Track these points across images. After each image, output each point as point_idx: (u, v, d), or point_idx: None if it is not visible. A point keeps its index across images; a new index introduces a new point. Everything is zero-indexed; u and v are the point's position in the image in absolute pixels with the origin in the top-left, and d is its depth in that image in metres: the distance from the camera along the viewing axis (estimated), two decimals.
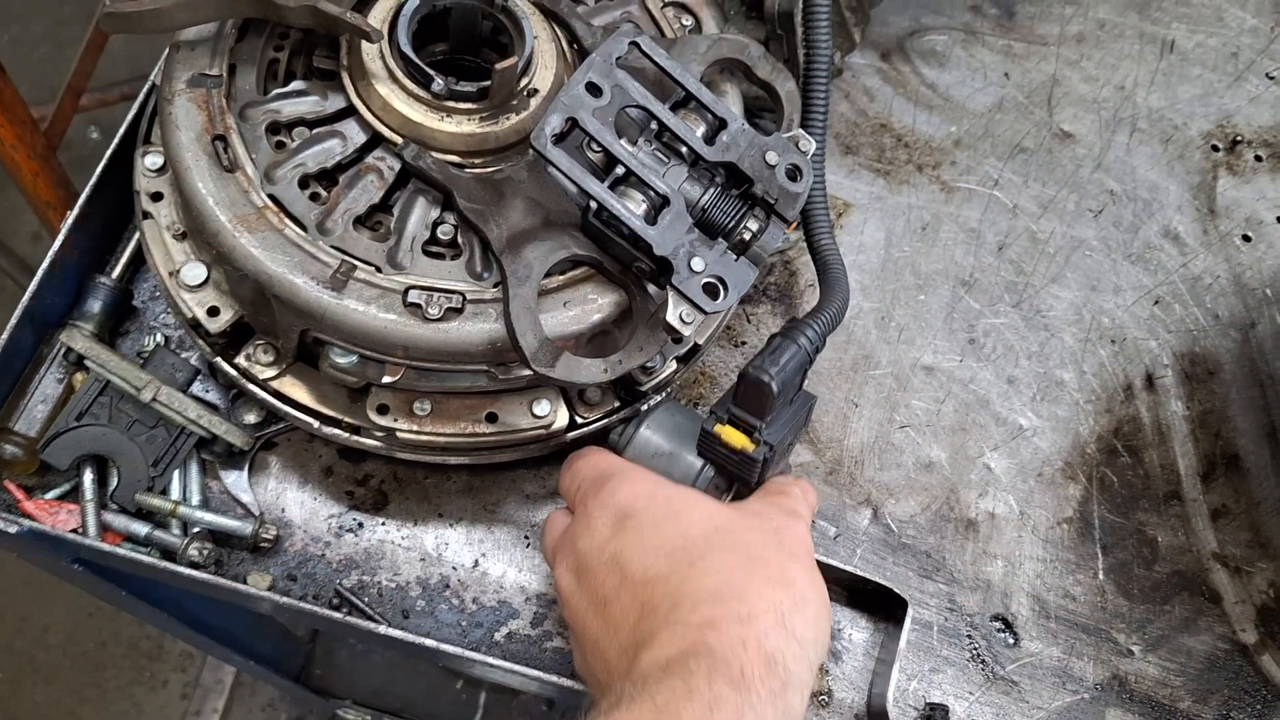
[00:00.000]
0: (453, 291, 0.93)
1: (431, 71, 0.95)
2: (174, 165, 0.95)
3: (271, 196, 0.94)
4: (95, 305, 1.10)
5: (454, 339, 0.92)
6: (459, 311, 0.93)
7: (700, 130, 0.97)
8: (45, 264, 1.06)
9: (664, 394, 1.08)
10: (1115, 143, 1.38)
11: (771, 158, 0.96)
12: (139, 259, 1.16)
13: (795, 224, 1.04)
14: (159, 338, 1.11)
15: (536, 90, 0.99)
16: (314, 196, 0.97)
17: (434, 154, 0.96)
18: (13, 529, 0.98)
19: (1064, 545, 1.15)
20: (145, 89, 1.12)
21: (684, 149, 0.96)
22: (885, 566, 1.12)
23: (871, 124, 1.36)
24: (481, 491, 1.11)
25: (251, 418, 1.08)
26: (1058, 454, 1.20)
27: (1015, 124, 1.38)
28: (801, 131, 1.00)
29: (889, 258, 1.29)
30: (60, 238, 1.07)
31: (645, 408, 1.05)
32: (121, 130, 1.11)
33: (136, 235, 1.15)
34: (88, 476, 1.03)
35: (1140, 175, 1.36)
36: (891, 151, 1.34)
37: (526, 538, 1.09)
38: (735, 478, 0.94)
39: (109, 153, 1.11)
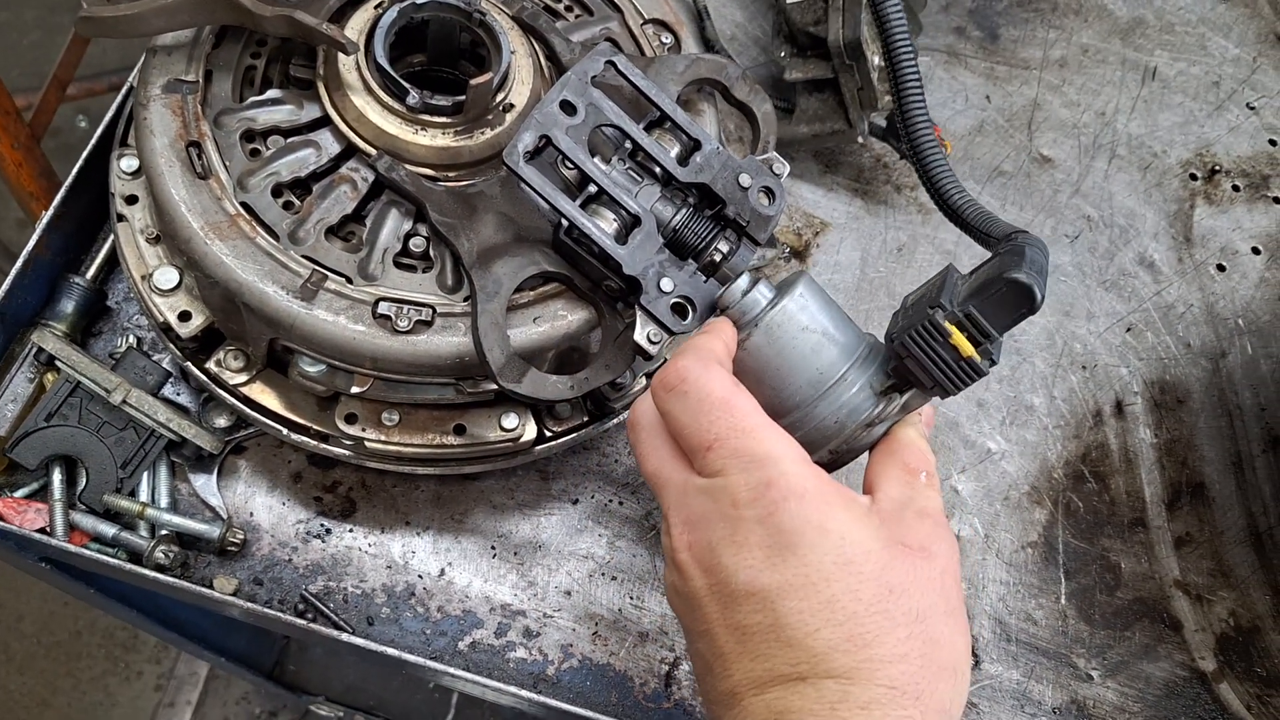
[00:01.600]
0: (423, 304, 0.93)
1: (406, 84, 0.95)
2: (147, 170, 0.95)
3: (244, 204, 0.95)
4: (68, 305, 1.10)
5: (422, 352, 0.93)
6: (428, 324, 0.93)
7: (674, 151, 0.97)
8: (19, 263, 1.06)
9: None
10: (1094, 168, 1.39)
11: (745, 180, 0.97)
12: (114, 260, 1.16)
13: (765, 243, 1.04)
14: (131, 339, 1.11)
15: (512, 105, 1.00)
16: (287, 205, 0.97)
17: (408, 166, 0.97)
18: None
19: (1027, 569, 1.16)
20: (124, 90, 1.13)
21: (657, 169, 0.96)
22: None
23: (851, 143, 1.36)
24: (450, 501, 1.11)
25: (222, 421, 1.08)
26: (1025, 478, 1.20)
27: (995, 147, 1.39)
28: (776, 155, 1.00)
29: (864, 278, 1.29)
30: (34, 237, 1.07)
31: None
32: (99, 131, 1.11)
33: (111, 238, 1.16)
34: (56, 476, 1.03)
35: (1118, 202, 1.37)
36: (870, 171, 1.35)
37: (493, 548, 1.10)
38: (926, 382, 0.83)
39: (85, 153, 1.11)
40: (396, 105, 0.96)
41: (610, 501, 1.14)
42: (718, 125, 1.09)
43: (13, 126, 1.94)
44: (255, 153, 0.98)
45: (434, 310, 0.93)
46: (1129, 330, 1.30)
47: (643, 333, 0.92)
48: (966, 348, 0.81)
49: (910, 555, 0.75)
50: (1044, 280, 0.81)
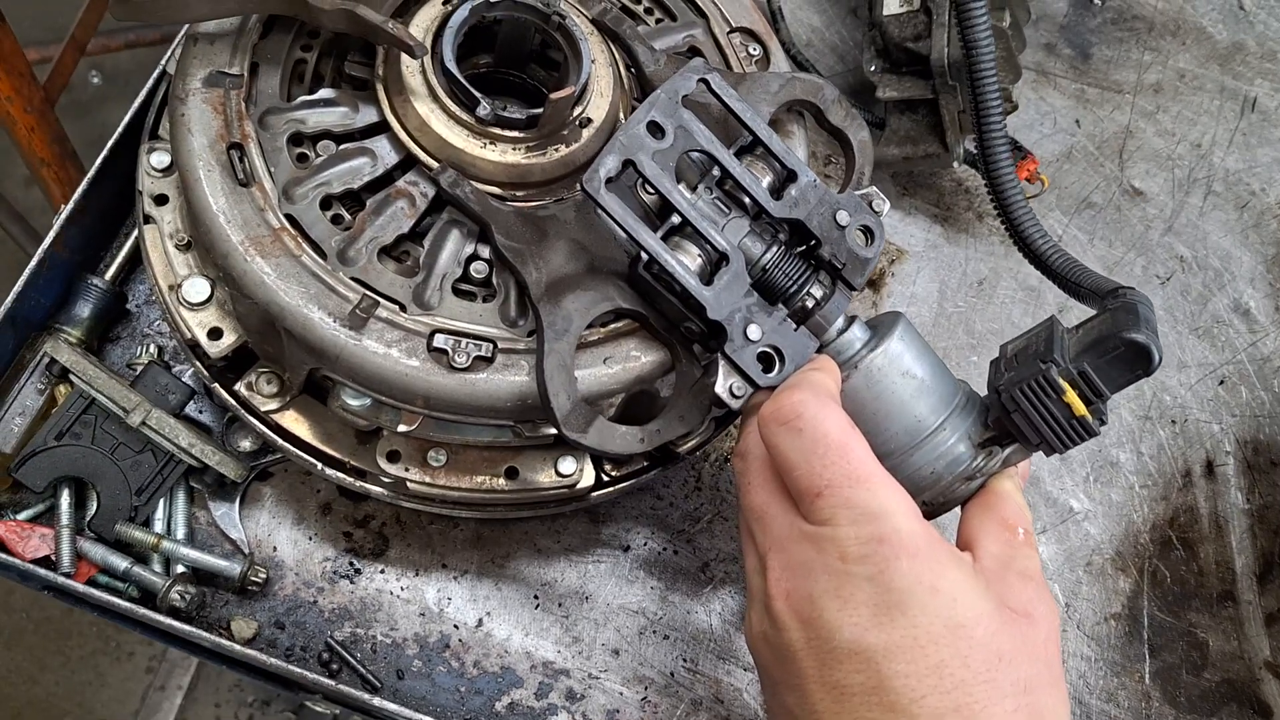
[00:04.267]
0: (483, 338, 0.84)
1: (478, 94, 0.85)
2: (183, 173, 0.85)
3: (289, 217, 0.85)
4: (84, 309, 1.00)
5: (480, 392, 0.83)
6: (488, 361, 0.84)
7: (766, 180, 0.88)
8: (33, 262, 0.96)
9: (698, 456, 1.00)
10: (1188, 204, 1.29)
11: (843, 218, 0.87)
12: (135, 259, 1.06)
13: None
14: (151, 349, 1.01)
15: (590, 120, 0.90)
16: (336, 219, 0.87)
17: (473, 183, 0.87)
18: None
19: (1110, 644, 1.07)
20: (156, 74, 1.02)
21: (747, 200, 0.87)
22: None
23: (943, 168, 1.26)
24: (490, 543, 1.02)
25: (246, 444, 0.99)
26: (1109, 542, 1.11)
27: (1084, 176, 1.29)
28: (875, 190, 0.91)
29: (942, 312, 1.20)
30: (52, 233, 0.98)
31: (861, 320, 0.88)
32: (126, 119, 1.01)
33: (134, 234, 1.06)
34: (64, 500, 0.94)
35: (1212, 242, 1.27)
36: (951, 196, 1.25)
37: (536, 598, 1.01)
38: (1031, 438, 0.80)
39: (110, 143, 1.01)
40: (464, 115, 0.86)
41: (664, 550, 1.05)
42: (808, 149, 0.99)
43: (26, 89, 1.83)
44: (303, 158, 0.89)
45: (495, 345, 0.84)
46: (1222, 383, 1.21)
47: (724, 384, 0.83)
48: (1079, 406, 0.79)
49: (1016, 620, 0.72)
50: (1159, 340, 0.79)
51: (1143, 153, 1.32)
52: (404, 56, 0.87)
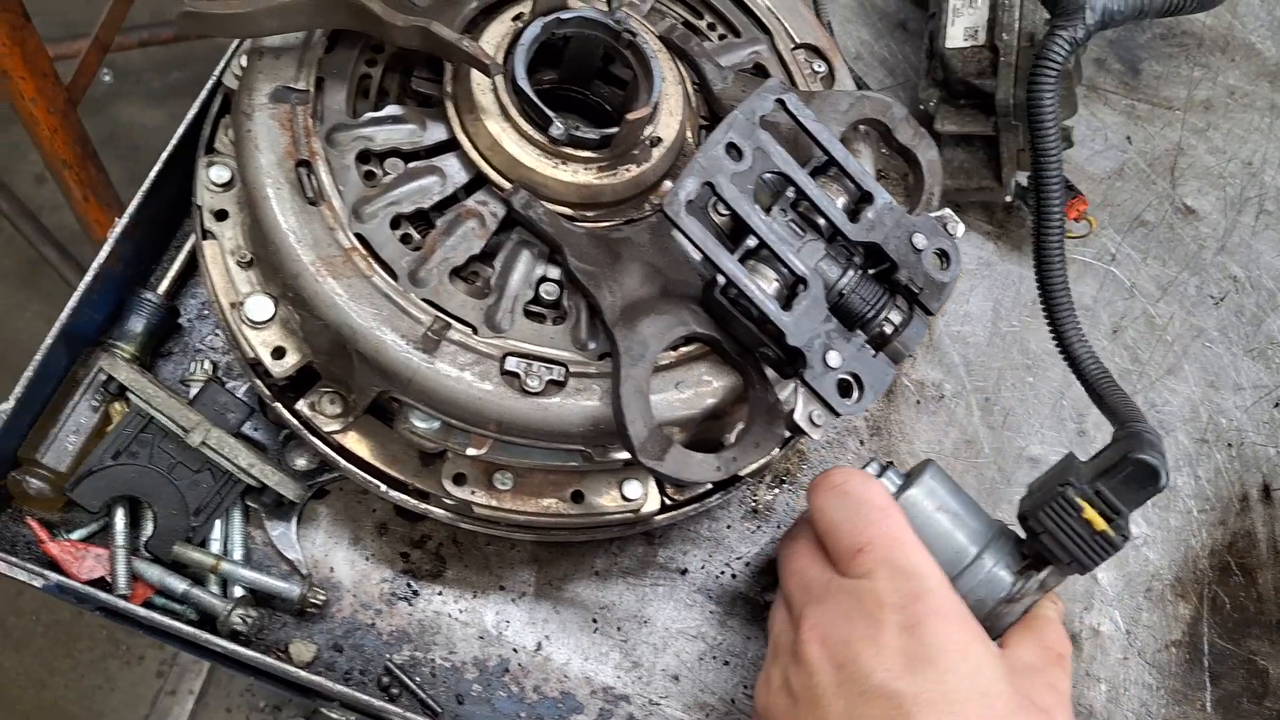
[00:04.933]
0: (555, 361, 0.83)
1: (551, 114, 0.84)
2: (251, 192, 0.84)
3: (359, 236, 0.83)
4: (138, 324, 0.99)
5: (554, 417, 0.82)
6: (560, 385, 0.82)
7: (841, 201, 0.87)
8: (88, 278, 0.94)
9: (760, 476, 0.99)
10: (1240, 223, 1.28)
11: (919, 241, 0.86)
12: (188, 272, 1.05)
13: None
14: (206, 366, 1.00)
15: (660, 139, 0.89)
16: (405, 239, 0.86)
17: (544, 204, 0.85)
18: (38, 583, 0.87)
19: (1171, 672, 1.06)
20: (209, 85, 1.00)
21: (822, 222, 0.85)
22: None
23: (996, 201, 1.25)
24: (548, 564, 1.01)
25: (303, 462, 0.97)
26: (1168, 568, 1.10)
27: (1136, 194, 1.28)
28: (950, 212, 0.90)
29: (996, 332, 1.19)
30: (106, 248, 0.96)
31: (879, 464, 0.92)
32: (180, 131, 1.00)
33: (187, 247, 1.05)
34: (119, 520, 0.93)
35: (1265, 262, 1.26)
36: (1002, 213, 1.24)
37: (594, 621, 1.00)
38: (1062, 558, 0.85)
39: (165, 155, 1.00)
40: (537, 135, 0.84)
41: (722, 574, 1.03)
42: (874, 166, 0.98)
43: (50, 90, 1.81)
44: (370, 175, 0.87)
45: (567, 369, 0.83)
46: (1277, 405, 1.20)
47: (804, 412, 0.82)
48: (1099, 522, 0.85)
49: (1036, 713, 0.75)
50: (1165, 462, 0.86)
51: (1194, 170, 1.30)
52: (474, 73, 0.85)
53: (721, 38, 1.00)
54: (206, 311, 1.04)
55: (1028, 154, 1.12)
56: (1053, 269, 1.01)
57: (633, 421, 0.79)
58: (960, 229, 0.90)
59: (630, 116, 0.83)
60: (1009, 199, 1.17)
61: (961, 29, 1.11)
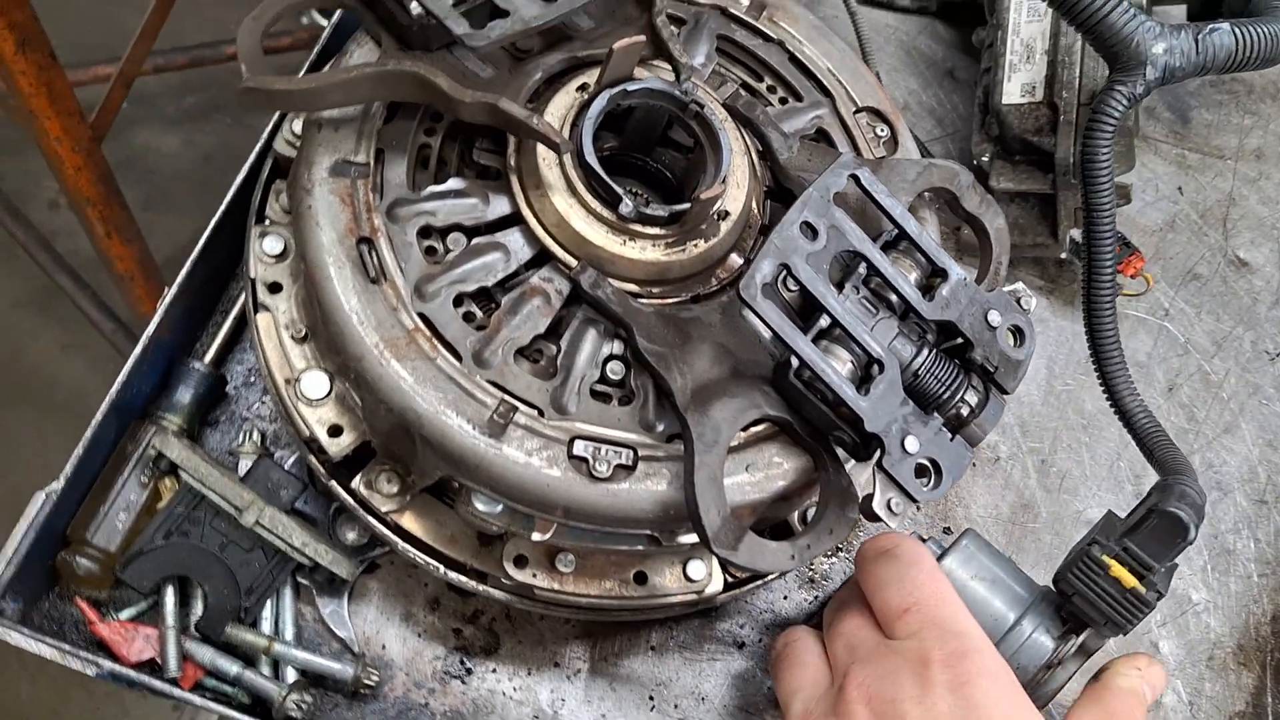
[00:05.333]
0: (622, 445, 0.80)
1: (620, 191, 0.81)
2: (311, 270, 0.82)
3: (422, 316, 0.81)
4: (186, 395, 0.96)
5: (623, 503, 0.80)
6: (629, 470, 0.80)
7: (913, 276, 0.85)
8: (138, 350, 0.92)
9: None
10: None
11: (994, 318, 0.84)
12: (234, 340, 1.03)
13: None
14: (255, 437, 0.98)
15: (728, 213, 0.86)
16: (467, 316, 0.84)
17: (612, 281, 0.83)
18: (91, 671, 0.85)
19: None
20: (257, 149, 0.98)
21: (893, 297, 0.83)
22: None
23: (1051, 257, 1.22)
24: (602, 639, 0.99)
25: (354, 536, 0.95)
26: (1230, 635, 1.08)
27: (1188, 246, 1.26)
28: (1023, 286, 0.88)
29: (1051, 391, 1.17)
30: (156, 318, 0.94)
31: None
32: (227, 199, 0.98)
33: (233, 314, 1.03)
34: (169, 599, 0.90)
35: None
36: (1054, 268, 1.22)
37: (651, 698, 0.97)
38: (1096, 619, 0.85)
39: (213, 222, 0.97)
40: (605, 212, 0.82)
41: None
42: (939, 232, 0.96)
43: (75, 129, 1.79)
44: (431, 251, 0.85)
45: (635, 452, 0.81)
46: None
47: (882, 500, 0.79)
48: (1128, 579, 0.85)
49: None
50: (1198, 514, 0.86)
51: (1247, 221, 1.28)
52: (540, 147, 0.83)
53: (782, 100, 0.98)
54: (253, 378, 1.02)
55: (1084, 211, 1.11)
56: (1104, 323, 0.98)
57: (706, 510, 0.77)
58: (1033, 303, 0.88)
59: (704, 196, 0.81)
60: (1063, 255, 1.15)
61: (1018, 85, 1.10)
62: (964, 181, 0.92)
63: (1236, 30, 0.95)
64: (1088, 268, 0.96)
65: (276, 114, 0.97)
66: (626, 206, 0.82)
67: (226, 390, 1.01)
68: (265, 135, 0.99)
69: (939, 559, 0.91)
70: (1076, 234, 1.15)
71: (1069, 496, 1.12)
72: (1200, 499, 0.88)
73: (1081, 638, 0.87)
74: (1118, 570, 0.85)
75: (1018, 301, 0.87)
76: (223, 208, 0.97)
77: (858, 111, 0.98)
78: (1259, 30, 0.97)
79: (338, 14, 1.05)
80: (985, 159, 1.14)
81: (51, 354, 2.88)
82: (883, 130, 0.98)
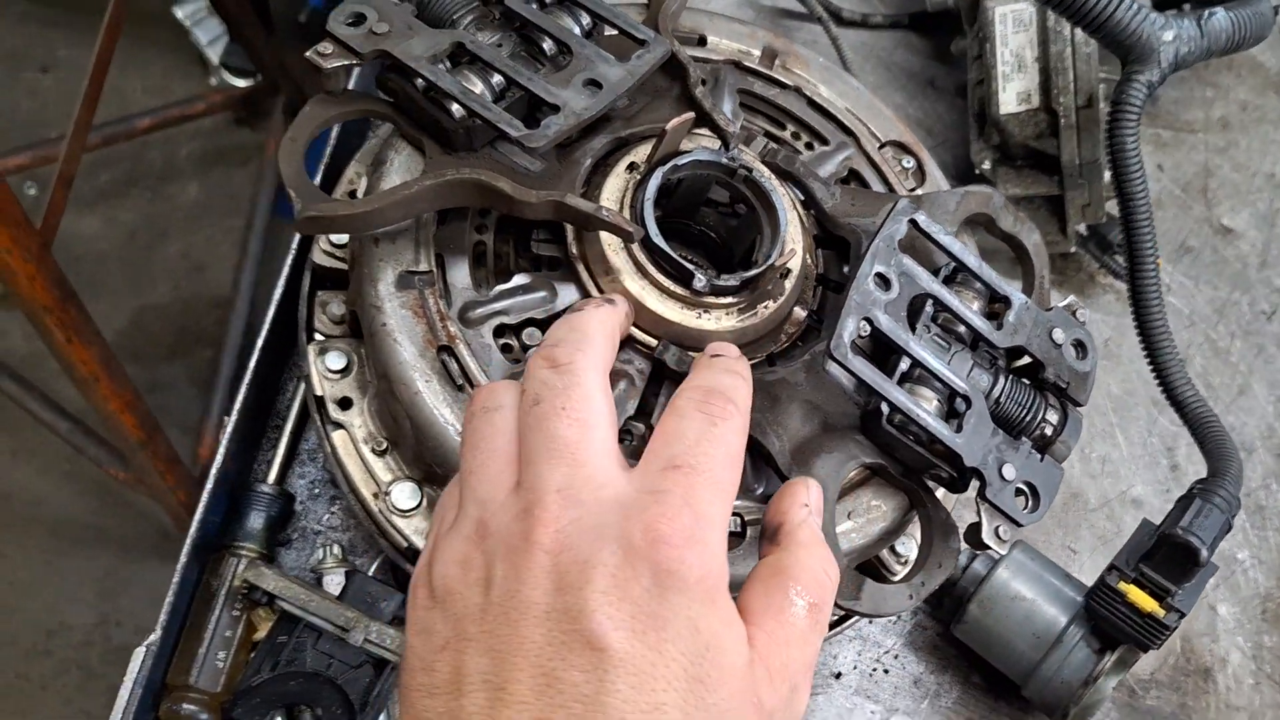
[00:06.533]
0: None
1: (691, 267, 0.82)
2: (398, 386, 0.81)
3: None
4: (258, 520, 0.95)
5: (741, 570, 0.81)
6: (740, 537, 0.82)
7: (976, 306, 0.87)
8: (209, 486, 0.91)
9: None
10: (1276, 235, 1.32)
11: (1058, 335, 0.87)
12: (290, 456, 1.01)
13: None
14: (335, 551, 0.97)
15: (789, 270, 0.88)
16: None
17: (692, 354, 0.84)
18: None
19: None
20: (289, 262, 0.97)
21: (961, 328, 0.86)
22: None
23: (1060, 253, 1.26)
24: None
25: None
26: (1278, 586, 1.14)
27: (1176, 221, 1.31)
28: (1075, 299, 0.91)
29: None
30: (221, 452, 0.92)
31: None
32: (270, 315, 0.96)
33: (288, 429, 1.01)
34: None
35: None
36: (1062, 260, 1.26)
37: None
38: (1124, 639, 0.92)
39: (260, 344, 0.96)
40: (679, 289, 0.83)
41: (874, 670, 1.04)
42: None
43: (24, 238, 1.73)
44: (507, 348, 0.85)
45: (742, 519, 0.82)
46: None
47: (990, 528, 0.82)
48: (1146, 604, 0.90)
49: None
50: (1218, 531, 0.89)
51: (1225, 189, 1.34)
52: (603, 234, 0.84)
53: (808, 145, 1.00)
54: (317, 490, 1.01)
55: (1092, 207, 1.15)
56: (1152, 314, 1.01)
57: None
58: (1087, 314, 0.91)
59: (776, 262, 0.83)
60: (1072, 249, 1.19)
61: (1014, 94, 1.13)
62: (997, 203, 0.95)
63: (1231, 13, 1.00)
64: (1130, 259, 1.00)
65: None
66: (700, 281, 0.83)
67: (294, 508, 1.00)
68: (294, 248, 0.99)
69: (989, 572, 0.98)
70: (1081, 227, 1.19)
71: (1112, 480, 1.16)
72: (1232, 506, 0.90)
73: (1118, 652, 0.94)
74: (1135, 596, 0.90)
75: (1074, 314, 0.90)
76: (266, 326, 0.96)
77: (882, 147, 1.01)
78: (1245, 12, 1.02)
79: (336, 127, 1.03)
80: (987, 167, 1.17)
81: (1, 462, 2.77)
82: (909, 162, 1.01)
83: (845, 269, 0.94)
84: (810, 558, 0.65)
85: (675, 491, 0.60)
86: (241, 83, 2.96)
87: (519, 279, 0.86)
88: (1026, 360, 0.88)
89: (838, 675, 1.03)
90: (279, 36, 2.82)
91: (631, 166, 0.87)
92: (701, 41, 1.00)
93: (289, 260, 0.98)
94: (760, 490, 0.85)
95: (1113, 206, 1.10)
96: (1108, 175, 1.09)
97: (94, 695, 2.55)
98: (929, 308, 0.85)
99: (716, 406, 0.66)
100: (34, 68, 3.11)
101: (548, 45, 0.86)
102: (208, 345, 2.91)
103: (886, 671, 1.04)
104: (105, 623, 2.58)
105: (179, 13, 2.94)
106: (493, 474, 0.62)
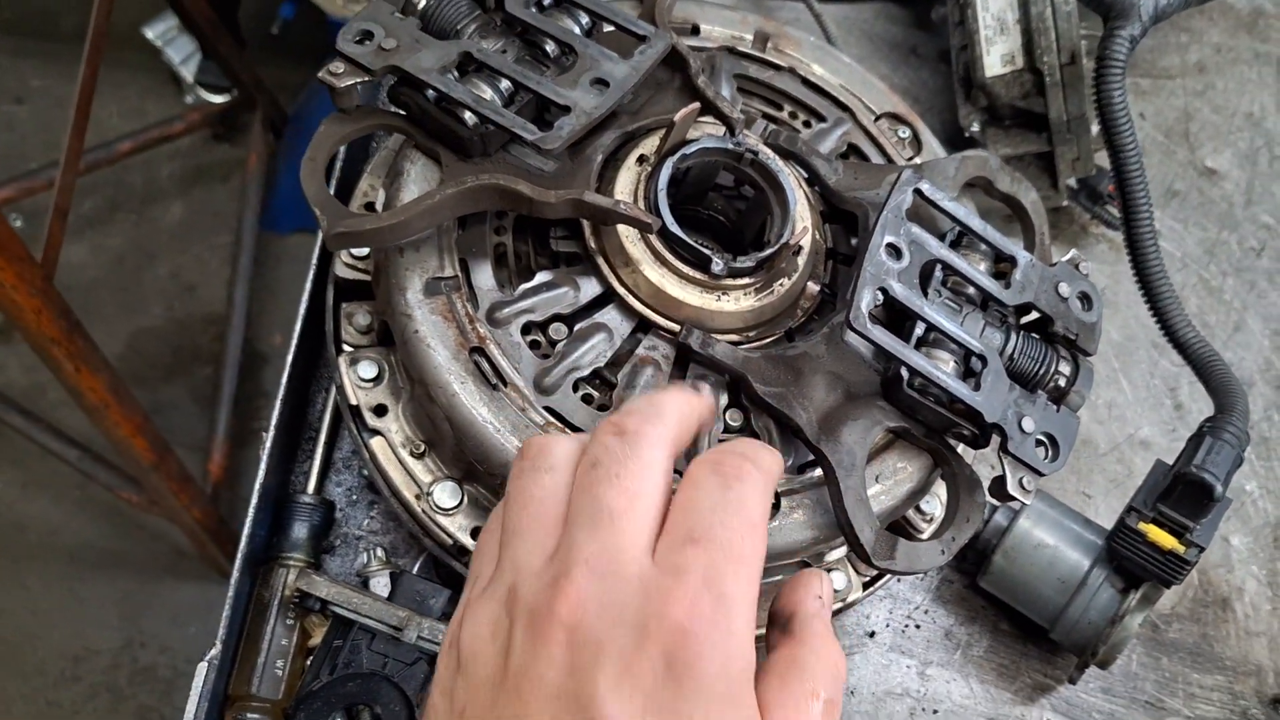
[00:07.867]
0: None
1: (708, 252, 0.85)
2: (434, 390, 0.84)
3: (549, 409, 0.84)
4: (302, 530, 0.98)
5: (779, 540, 0.84)
6: (776, 508, 0.85)
7: (983, 267, 0.91)
8: (255, 501, 0.93)
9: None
10: (1258, 173, 1.36)
11: (1064, 289, 0.90)
12: (327, 464, 1.04)
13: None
14: (379, 554, 0.99)
15: (801, 248, 0.91)
16: (586, 399, 0.87)
17: (716, 336, 0.87)
18: None
19: None
20: (311, 276, 1.00)
21: (971, 290, 0.89)
22: (1160, 668, 1.09)
23: (1052, 206, 1.29)
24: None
25: None
26: None
27: (1162, 166, 1.35)
28: (1076, 253, 0.94)
29: None
30: (263, 467, 0.95)
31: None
32: (297, 330, 0.99)
33: (322, 439, 1.04)
34: None
35: None
36: (1053, 214, 1.29)
37: None
38: (1147, 577, 0.95)
39: (290, 358, 0.98)
40: (697, 274, 0.86)
41: (906, 626, 1.07)
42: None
43: (28, 273, 1.75)
44: (535, 344, 0.88)
45: (776, 492, 0.85)
46: None
47: (1014, 480, 0.85)
48: (1166, 541, 0.94)
49: None
50: (1230, 466, 0.92)
51: (1206, 132, 1.38)
52: (621, 227, 0.86)
53: (806, 124, 1.03)
54: (355, 497, 1.03)
55: (1082, 161, 1.18)
56: (1149, 261, 1.04)
57: (861, 530, 0.82)
58: (1089, 266, 0.94)
59: (790, 242, 0.85)
60: (1064, 203, 1.23)
61: (998, 57, 1.16)
62: (994, 165, 0.98)
63: None
64: (1125, 209, 1.03)
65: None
66: (718, 265, 0.86)
67: (335, 515, 1.02)
68: (315, 261, 1.01)
69: (1011, 523, 1.01)
70: (1071, 181, 1.22)
71: (1120, 423, 1.20)
72: (1241, 441, 0.94)
73: (1141, 590, 0.97)
74: (1155, 535, 0.94)
75: (1077, 267, 0.93)
76: (294, 341, 0.99)
77: (877, 119, 1.03)
78: None
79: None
80: (976, 129, 1.20)
81: (12, 495, 2.79)
82: (904, 131, 1.04)
83: (854, 241, 0.97)
84: (826, 652, 0.63)
85: (694, 570, 0.57)
86: (218, 99, 2.96)
87: (541, 277, 0.89)
88: (1035, 316, 0.91)
89: (871, 634, 1.06)
90: (252, 50, 2.83)
91: (641, 159, 0.89)
92: (695, 30, 1.02)
93: (310, 275, 1.00)
94: (790, 461, 0.88)
95: (1101, 159, 1.14)
96: (1095, 128, 1.12)
97: (125, 717, 2.58)
98: (939, 272, 0.88)
99: (730, 467, 0.62)
100: (8, 100, 3.10)
101: (550, 47, 0.88)
102: (206, 363, 2.92)
103: (918, 626, 1.07)
104: (130, 645, 2.60)
105: (149, 33, 2.93)
106: (535, 540, 0.60)
